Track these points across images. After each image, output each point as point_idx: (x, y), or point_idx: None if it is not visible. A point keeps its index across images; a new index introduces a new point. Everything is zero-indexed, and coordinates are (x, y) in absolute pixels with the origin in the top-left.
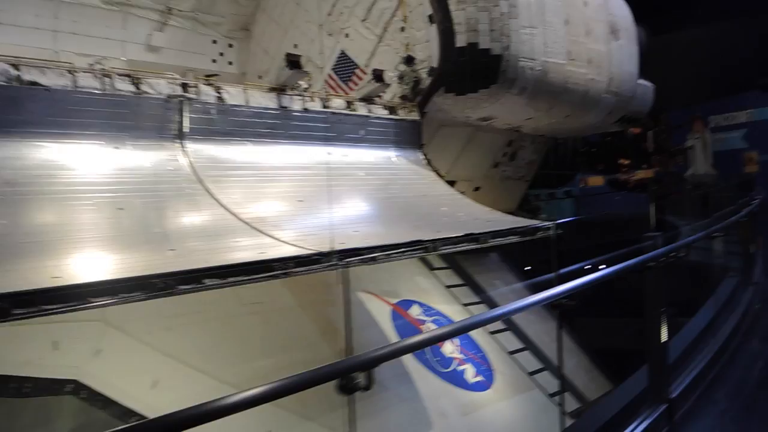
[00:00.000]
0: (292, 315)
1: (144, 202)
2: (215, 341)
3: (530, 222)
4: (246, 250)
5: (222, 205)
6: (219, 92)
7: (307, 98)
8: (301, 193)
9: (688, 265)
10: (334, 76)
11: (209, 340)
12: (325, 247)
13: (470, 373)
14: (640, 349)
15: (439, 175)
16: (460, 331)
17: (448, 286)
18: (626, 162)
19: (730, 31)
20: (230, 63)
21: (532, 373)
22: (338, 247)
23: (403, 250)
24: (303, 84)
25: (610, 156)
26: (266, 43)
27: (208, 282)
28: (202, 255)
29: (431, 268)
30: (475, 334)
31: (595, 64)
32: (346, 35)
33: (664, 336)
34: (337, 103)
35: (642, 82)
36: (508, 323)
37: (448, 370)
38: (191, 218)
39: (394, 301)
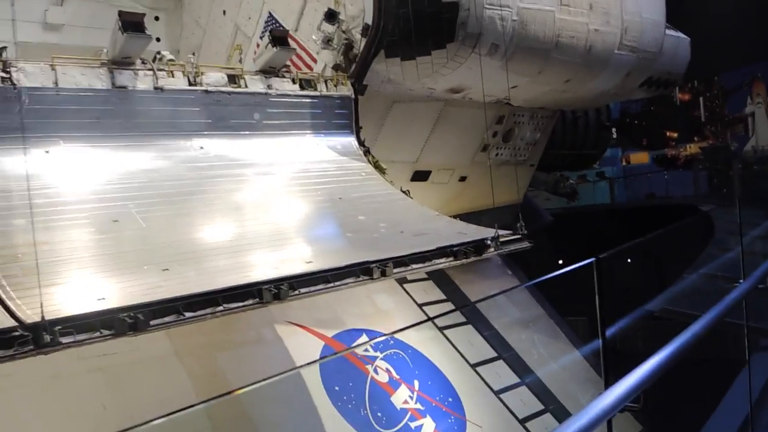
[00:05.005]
0: (158, 366)
1: None
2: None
3: (479, 233)
4: None
5: None
6: (7, 71)
7: (163, 73)
8: (122, 211)
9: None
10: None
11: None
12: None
13: (428, 430)
14: None
15: (378, 168)
16: None
17: (421, 305)
18: (674, 135)
19: None
20: (158, 39)
21: (524, 420)
22: (87, 309)
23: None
24: (166, 55)
25: (655, 128)
26: (197, 12)
27: None
28: None
29: (402, 281)
30: (452, 370)
31: (599, 10)
32: None
33: None
34: (214, 79)
35: (673, 33)
36: (503, 348)
37: (395, 429)
38: None
39: (332, 333)
